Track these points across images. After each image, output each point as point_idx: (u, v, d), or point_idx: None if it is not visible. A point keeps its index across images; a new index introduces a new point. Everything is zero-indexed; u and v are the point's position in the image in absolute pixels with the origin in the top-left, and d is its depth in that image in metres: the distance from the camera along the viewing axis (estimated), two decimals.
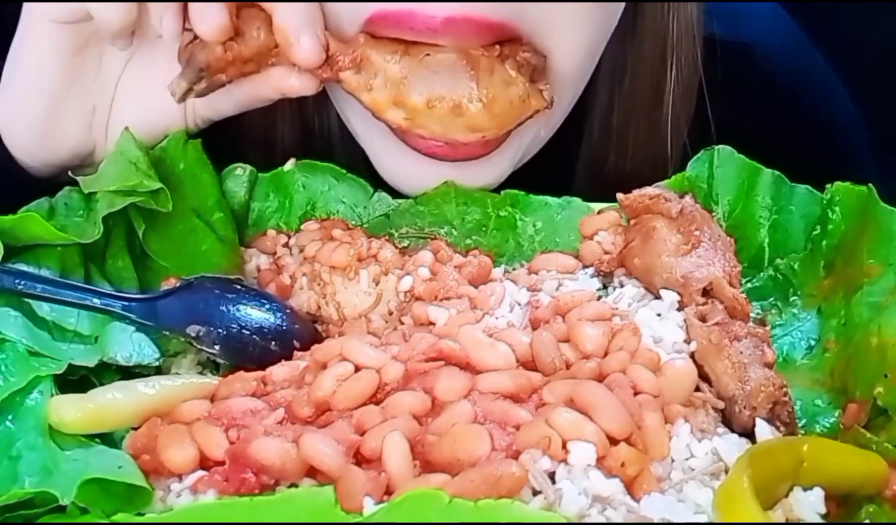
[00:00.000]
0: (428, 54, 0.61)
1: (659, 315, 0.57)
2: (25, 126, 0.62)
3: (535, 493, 0.46)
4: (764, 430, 0.51)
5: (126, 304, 0.57)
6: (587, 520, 0.45)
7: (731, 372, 0.53)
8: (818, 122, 0.87)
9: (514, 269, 0.65)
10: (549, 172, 0.72)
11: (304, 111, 0.77)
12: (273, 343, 0.58)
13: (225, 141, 0.68)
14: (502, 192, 0.68)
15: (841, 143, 0.89)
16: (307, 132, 0.78)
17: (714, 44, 0.77)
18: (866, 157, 0.90)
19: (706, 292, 0.58)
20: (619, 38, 0.73)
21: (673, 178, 0.66)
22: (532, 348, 0.54)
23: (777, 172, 0.65)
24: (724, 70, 0.77)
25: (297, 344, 0.58)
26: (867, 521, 0.48)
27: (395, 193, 0.68)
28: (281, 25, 0.60)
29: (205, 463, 0.49)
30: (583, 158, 0.80)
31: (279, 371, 0.55)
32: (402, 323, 0.60)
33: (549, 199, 0.68)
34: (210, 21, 0.59)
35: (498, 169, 0.68)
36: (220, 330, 0.57)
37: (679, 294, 0.58)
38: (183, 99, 0.61)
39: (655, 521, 0.45)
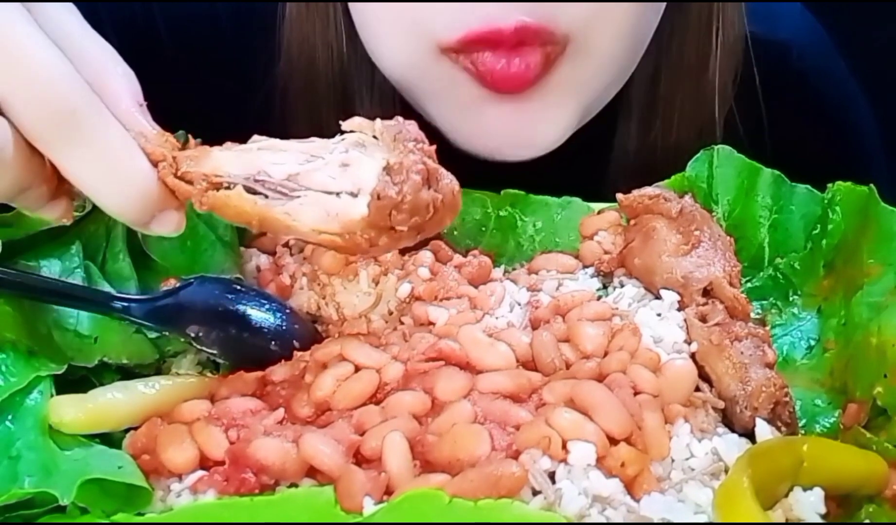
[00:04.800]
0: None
1: (659, 315, 0.57)
2: None
3: (535, 493, 0.46)
4: (764, 430, 0.51)
5: (126, 304, 0.57)
6: (587, 520, 0.45)
7: (732, 372, 0.53)
8: (842, 123, 0.88)
9: (514, 269, 0.65)
10: (593, 145, 0.72)
11: (349, 99, 0.78)
12: (273, 343, 0.58)
13: (241, 137, 0.68)
14: (502, 192, 0.68)
15: (861, 145, 0.90)
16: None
17: (751, 41, 0.78)
18: (881, 161, 0.91)
19: (706, 292, 0.58)
20: (667, 5, 0.73)
21: (673, 178, 0.66)
22: (532, 348, 0.54)
23: (777, 172, 0.65)
24: (760, 66, 0.78)
25: (297, 344, 0.58)
26: (867, 521, 0.48)
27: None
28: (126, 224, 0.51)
29: (205, 463, 0.49)
30: (629, 129, 0.80)
31: (279, 371, 0.55)
32: (402, 323, 0.60)
33: (550, 198, 0.68)
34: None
35: (559, 127, 0.68)
36: (219, 330, 0.57)
37: (679, 294, 0.58)
38: None
39: (655, 521, 0.45)
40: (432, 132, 0.55)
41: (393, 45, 0.69)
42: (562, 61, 0.64)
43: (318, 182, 0.50)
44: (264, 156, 0.50)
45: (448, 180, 0.51)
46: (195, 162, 0.50)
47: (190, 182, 0.50)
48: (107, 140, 0.47)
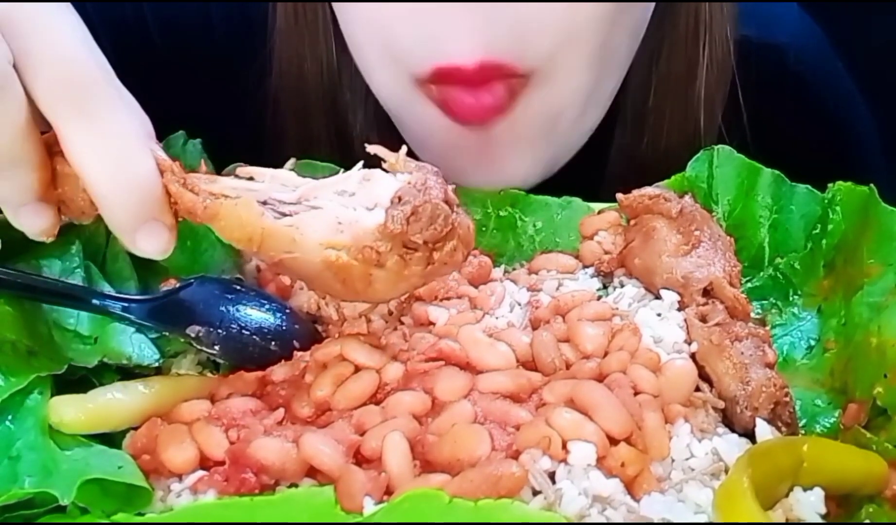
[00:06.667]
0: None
1: (659, 315, 0.57)
2: None
3: (535, 493, 0.46)
4: (764, 431, 0.51)
5: (126, 304, 0.57)
6: (587, 520, 0.45)
7: (733, 372, 0.53)
8: (841, 124, 0.88)
9: (514, 269, 0.65)
10: (582, 158, 0.72)
11: (339, 109, 0.77)
12: (273, 343, 0.58)
13: (234, 140, 0.68)
14: (502, 192, 0.68)
15: (859, 146, 0.90)
16: (342, 130, 0.78)
17: (748, 44, 0.78)
18: (880, 161, 0.91)
19: (706, 292, 0.58)
20: (656, 18, 0.73)
21: (673, 178, 0.66)
22: (532, 348, 0.54)
23: (777, 172, 0.65)
24: (757, 70, 0.78)
25: (297, 344, 0.58)
26: (867, 521, 0.48)
27: None
28: (112, 227, 0.48)
29: (205, 463, 0.49)
30: (617, 142, 0.80)
31: (279, 371, 0.55)
32: (402, 323, 0.60)
33: (550, 198, 0.68)
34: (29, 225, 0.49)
35: (526, 162, 0.68)
36: (219, 330, 0.57)
37: (679, 294, 0.58)
38: None
39: (655, 521, 0.45)
40: None
41: (378, 75, 0.70)
42: (527, 92, 0.64)
43: (333, 195, 0.50)
44: (275, 184, 0.51)
45: (464, 216, 0.51)
46: (204, 182, 0.50)
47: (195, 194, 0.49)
48: (118, 124, 0.46)
